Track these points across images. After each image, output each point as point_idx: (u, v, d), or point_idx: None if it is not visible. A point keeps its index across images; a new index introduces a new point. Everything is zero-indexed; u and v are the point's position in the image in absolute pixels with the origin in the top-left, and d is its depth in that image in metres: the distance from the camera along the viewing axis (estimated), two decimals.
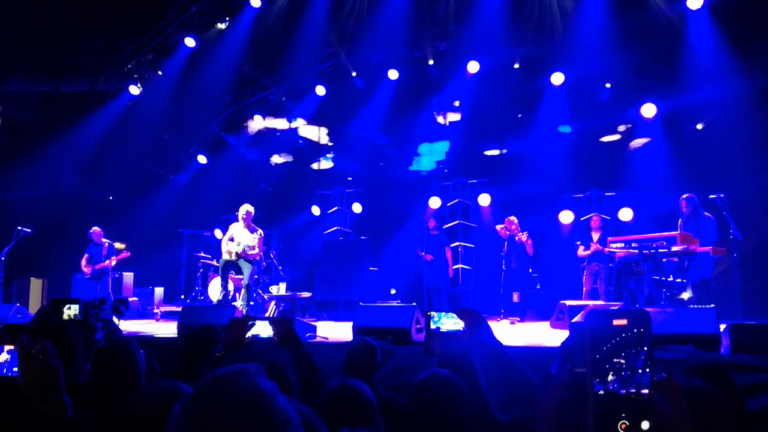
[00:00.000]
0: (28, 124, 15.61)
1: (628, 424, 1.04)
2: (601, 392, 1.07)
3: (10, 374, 1.93)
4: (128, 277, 12.04)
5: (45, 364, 1.83)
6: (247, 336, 2.97)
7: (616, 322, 1.09)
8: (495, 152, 14.01)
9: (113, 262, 10.66)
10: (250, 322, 3.01)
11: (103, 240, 10.75)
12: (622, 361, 1.07)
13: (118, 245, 11.01)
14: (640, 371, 1.06)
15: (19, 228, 10.81)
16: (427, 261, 10.65)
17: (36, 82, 15.23)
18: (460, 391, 2.44)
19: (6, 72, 14.64)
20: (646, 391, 1.05)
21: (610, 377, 1.07)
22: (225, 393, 1.05)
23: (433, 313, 2.59)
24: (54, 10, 13.84)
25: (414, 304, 6.26)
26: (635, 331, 1.08)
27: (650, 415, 1.04)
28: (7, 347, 1.93)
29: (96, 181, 14.30)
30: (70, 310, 4.12)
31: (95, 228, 10.81)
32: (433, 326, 2.57)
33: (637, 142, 11.98)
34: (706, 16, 10.34)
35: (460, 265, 12.31)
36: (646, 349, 1.07)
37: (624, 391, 1.06)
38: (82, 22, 14.41)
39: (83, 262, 10.69)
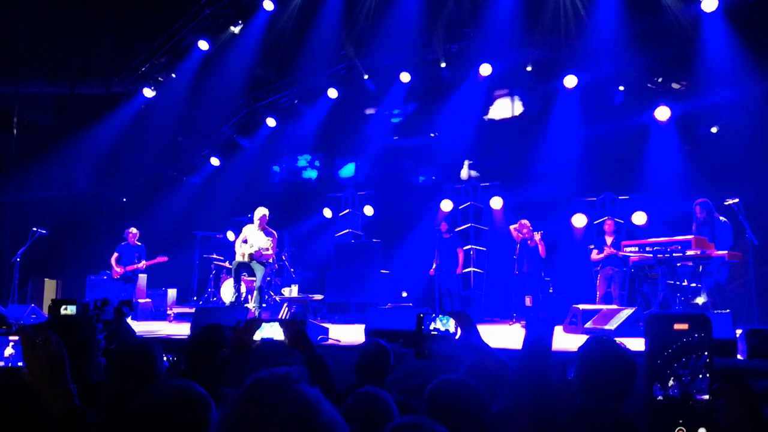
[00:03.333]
0: (44, 126, 15.76)
1: (685, 430, 1.02)
2: (660, 398, 1.04)
3: (14, 365, 1.93)
4: (142, 278, 12.05)
5: (49, 353, 1.82)
6: (254, 339, 2.90)
7: (677, 326, 1.07)
8: (506, 155, 13.93)
9: (144, 266, 10.67)
10: (257, 326, 2.93)
11: (137, 242, 10.77)
12: (683, 366, 1.04)
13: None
14: (700, 377, 1.04)
15: (34, 229, 10.89)
16: (436, 264, 10.62)
17: (51, 84, 15.36)
18: (475, 397, 2.38)
19: (22, 74, 14.78)
20: (704, 397, 1.03)
21: (671, 383, 1.04)
22: (270, 401, 0.99)
23: (440, 317, 2.53)
24: (70, 13, 13.97)
25: (427, 307, 6.25)
26: (696, 336, 1.06)
27: (707, 422, 1.02)
28: (11, 338, 1.93)
29: (110, 182, 14.40)
30: (67, 311, 4.02)
31: (132, 229, 10.79)
32: (437, 327, 2.51)
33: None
34: (720, 18, 10.24)
35: (471, 269, 12.26)
36: (706, 354, 1.04)
37: (682, 396, 1.03)
38: (98, 25, 14.55)
39: (113, 261, 10.61)
